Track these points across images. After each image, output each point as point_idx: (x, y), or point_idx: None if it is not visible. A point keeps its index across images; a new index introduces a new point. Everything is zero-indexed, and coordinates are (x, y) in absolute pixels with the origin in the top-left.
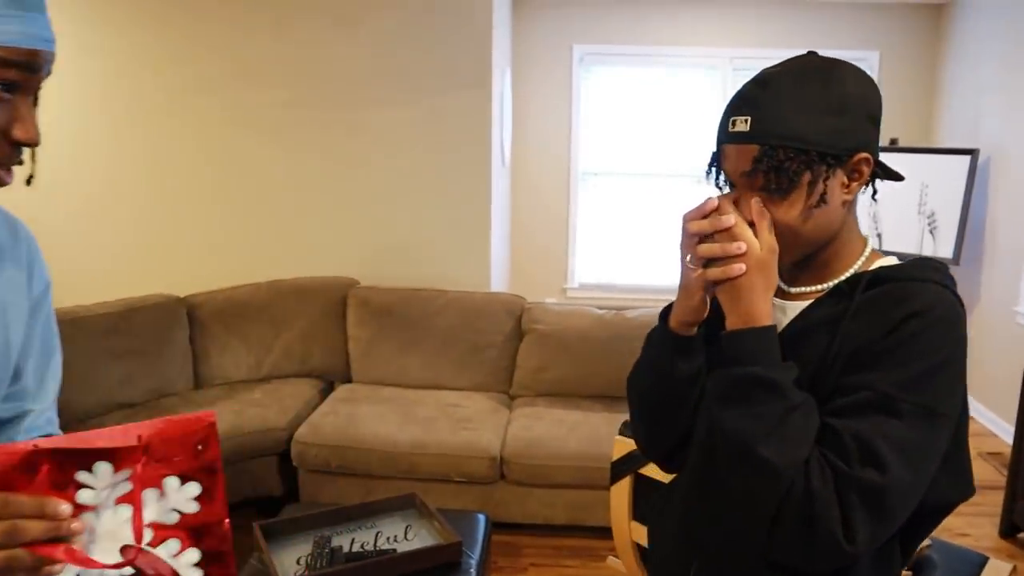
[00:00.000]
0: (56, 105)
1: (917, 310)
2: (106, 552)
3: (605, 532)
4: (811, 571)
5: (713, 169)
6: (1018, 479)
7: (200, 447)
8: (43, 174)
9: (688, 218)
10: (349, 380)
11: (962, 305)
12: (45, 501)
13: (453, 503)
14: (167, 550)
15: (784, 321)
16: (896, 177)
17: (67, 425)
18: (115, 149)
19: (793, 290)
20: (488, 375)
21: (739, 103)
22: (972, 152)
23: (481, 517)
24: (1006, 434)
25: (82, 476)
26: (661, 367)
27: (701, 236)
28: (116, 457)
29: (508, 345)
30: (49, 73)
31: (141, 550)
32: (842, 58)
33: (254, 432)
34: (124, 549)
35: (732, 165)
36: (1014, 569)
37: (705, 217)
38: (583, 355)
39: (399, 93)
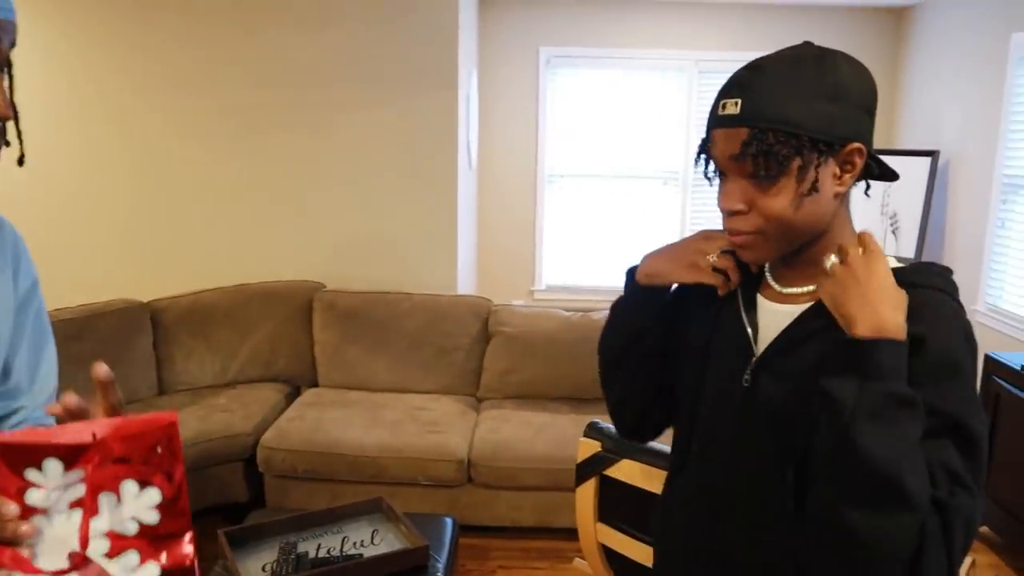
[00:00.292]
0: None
1: (926, 332)
2: (54, 560)
3: (573, 533)
4: None
5: (702, 157)
6: None
7: (159, 449)
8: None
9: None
10: (316, 384)
11: (962, 309)
12: None
13: (421, 507)
14: (124, 563)
15: (777, 325)
16: (891, 176)
17: None
18: (76, 152)
19: (785, 290)
20: (455, 378)
21: (730, 86)
22: (932, 154)
23: (448, 520)
24: None
25: (32, 475)
26: (621, 317)
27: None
28: (68, 455)
29: (475, 347)
30: (13, 44)
31: (85, 557)
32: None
33: (219, 438)
34: (71, 556)
35: (721, 149)
36: (973, 563)
37: None
38: (550, 357)
39: (365, 95)
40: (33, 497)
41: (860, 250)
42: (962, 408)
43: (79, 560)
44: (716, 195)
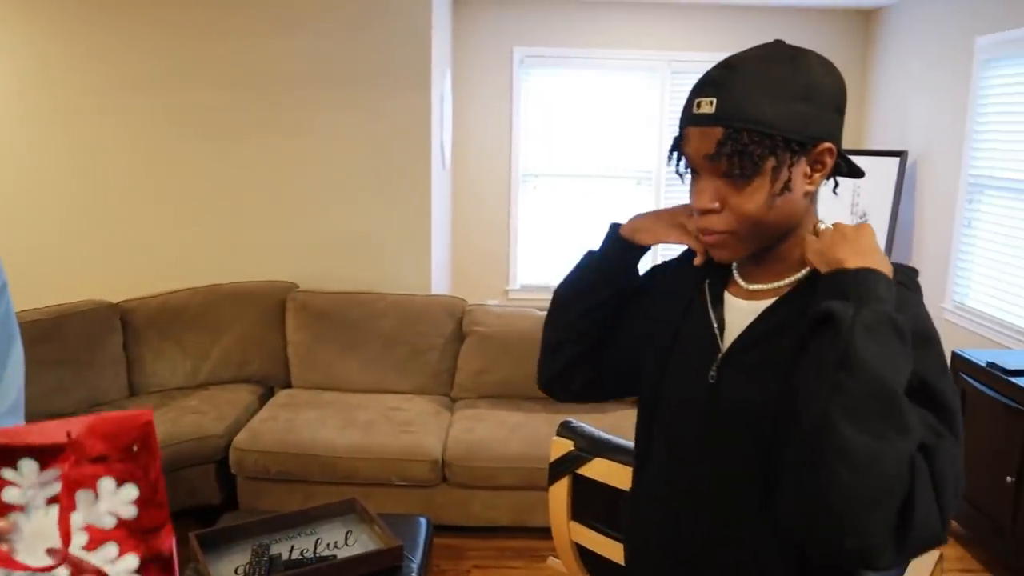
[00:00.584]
0: None
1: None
2: (34, 554)
3: (548, 532)
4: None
5: (675, 154)
6: None
7: (136, 447)
8: None
9: None
10: (289, 385)
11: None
12: None
13: (395, 507)
14: (104, 555)
15: (743, 322)
16: (858, 174)
17: None
18: (43, 150)
19: (751, 287)
20: (429, 378)
21: (705, 85)
22: (901, 154)
23: (422, 520)
24: None
25: (7, 474)
26: (591, 265)
27: None
28: (43, 454)
29: (449, 347)
30: None
31: (68, 553)
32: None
33: (191, 439)
34: (50, 551)
35: (695, 148)
36: (940, 556)
37: None
38: (524, 356)
39: (338, 95)
40: (9, 495)
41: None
42: (936, 374)
43: (61, 556)
44: (688, 193)
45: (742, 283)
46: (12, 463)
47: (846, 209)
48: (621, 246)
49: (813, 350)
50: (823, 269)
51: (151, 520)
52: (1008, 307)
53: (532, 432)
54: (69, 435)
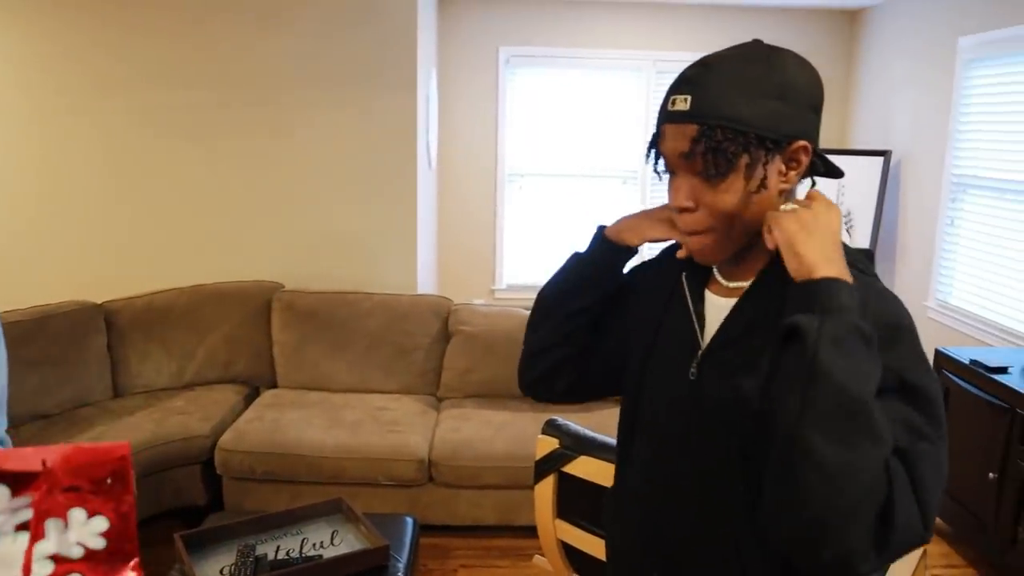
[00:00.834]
0: None
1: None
2: None
3: (535, 531)
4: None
5: (653, 152)
6: None
7: (110, 480)
8: None
9: None
10: (275, 385)
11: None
12: None
13: (381, 507)
14: None
15: (722, 319)
16: (836, 173)
17: None
18: (27, 152)
19: (731, 284)
20: (415, 377)
21: (680, 83)
22: (884, 154)
23: (409, 520)
24: None
25: None
26: (575, 267)
27: None
28: (17, 481)
29: (435, 347)
30: None
31: None
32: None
33: (176, 440)
34: None
35: (670, 146)
36: (924, 553)
37: None
38: (510, 356)
39: (323, 94)
40: None
41: (822, 203)
42: (912, 367)
43: None
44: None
45: (722, 280)
46: None
47: None
48: (608, 247)
49: (783, 364)
50: (786, 261)
51: (119, 554)
52: (991, 305)
53: (518, 431)
54: (44, 463)
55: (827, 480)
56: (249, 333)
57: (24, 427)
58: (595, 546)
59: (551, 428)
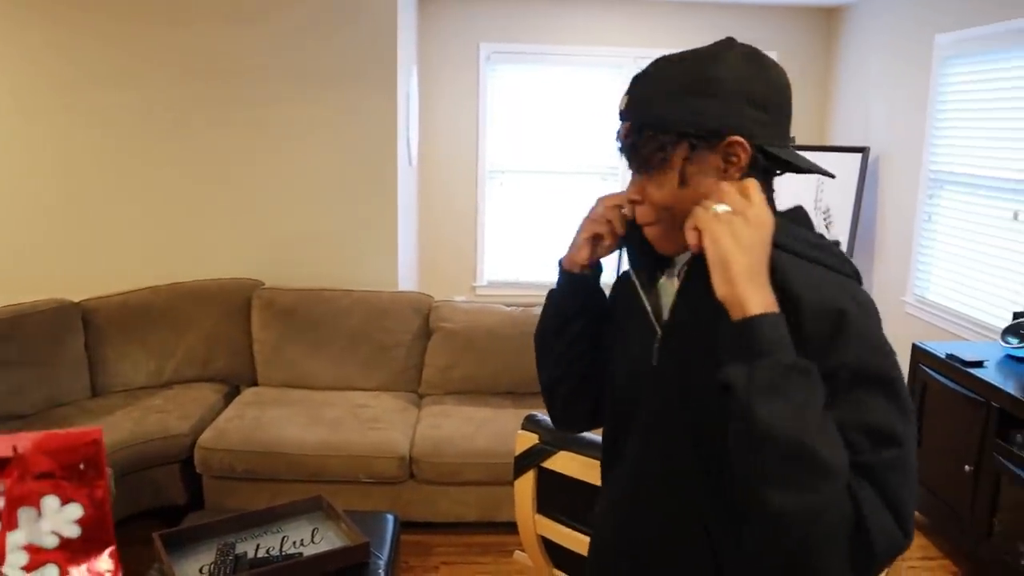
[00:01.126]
0: None
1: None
2: None
3: (516, 527)
4: None
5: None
6: None
7: (83, 466)
8: None
9: None
10: (255, 383)
11: (838, 272)
12: None
13: (363, 504)
14: None
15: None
16: (796, 169)
17: None
18: (1, 149)
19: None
20: (396, 374)
21: (629, 83)
22: (863, 150)
23: (390, 517)
24: None
25: None
26: (553, 306)
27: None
28: None
29: (416, 344)
30: None
31: (3, 574)
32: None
33: (155, 439)
34: None
35: (620, 141)
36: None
37: None
38: (491, 352)
39: (302, 90)
40: None
41: (755, 208)
42: (865, 357)
43: None
44: None
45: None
46: None
47: (810, 205)
48: (568, 278)
49: (729, 416)
50: (713, 278)
51: (95, 541)
52: (967, 300)
53: (499, 427)
54: (15, 450)
55: (789, 527)
56: (228, 331)
57: None
58: (575, 541)
59: (531, 424)
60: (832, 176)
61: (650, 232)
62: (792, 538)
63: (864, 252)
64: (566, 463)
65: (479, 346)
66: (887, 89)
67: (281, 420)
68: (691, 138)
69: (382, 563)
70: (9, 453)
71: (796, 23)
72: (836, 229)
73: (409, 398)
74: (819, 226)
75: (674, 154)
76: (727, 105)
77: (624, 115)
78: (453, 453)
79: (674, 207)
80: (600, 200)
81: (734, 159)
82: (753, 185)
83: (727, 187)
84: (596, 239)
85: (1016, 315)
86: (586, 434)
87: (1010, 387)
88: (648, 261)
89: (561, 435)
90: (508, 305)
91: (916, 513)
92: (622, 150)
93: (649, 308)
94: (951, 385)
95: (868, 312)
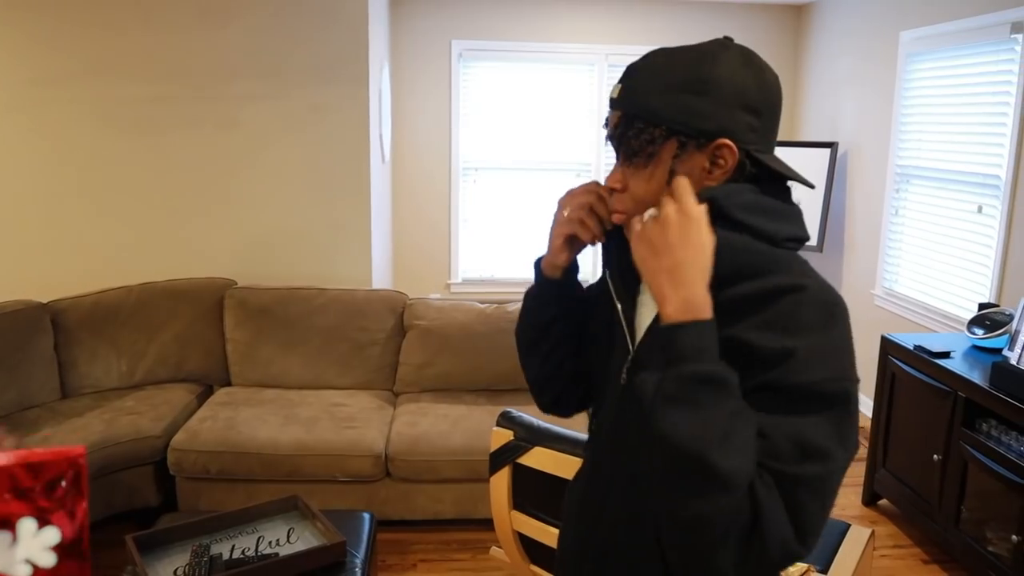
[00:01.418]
0: None
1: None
2: None
3: (493, 524)
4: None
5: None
6: (878, 450)
7: (63, 483)
8: None
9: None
10: (228, 383)
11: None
12: None
13: (339, 503)
14: None
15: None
16: (780, 178)
17: None
18: None
19: None
20: (371, 373)
21: (623, 72)
22: (831, 145)
23: (366, 515)
24: (866, 408)
25: None
26: (530, 304)
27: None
28: None
29: (391, 342)
30: None
31: None
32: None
33: (127, 441)
34: None
35: (609, 130)
36: (872, 534)
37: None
38: (466, 349)
39: (272, 87)
40: None
41: (676, 207)
42: (811, 369)
43: None
44: None
45: None
46: None
47: None
48: (546, 283)
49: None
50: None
51: (70, 570)
52: (934, 292)
53: (475, 424)
54: None
55: (685, 531)
56: (201, 331)
57: None
58: (551, 537)
59: (505, 420)
60: (812, 186)
61: (620, 219)
62: (686, 538)
63: (833, 245)
64: (541, 459)
65: (454, 343)
66: (855, 85)
67: (255, 420)
68: (681, 135)
69: (359, 562)
70: None
71: (765, 20)
72: (806, 224)
73: (384, 396)
74: None
75: (663, 149)
76: (721, 107)
77: (616, 103)
78: (429, 451)
79: (653, 202)
80: (569, 197)
81: (720, 162)
82: (680, 184)
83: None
84: (572, 239)
85: (981, 306)
86: (560, 430)
87: (976, 377)
88: (627, 267)
89: (535, 431)
90: (483, 302)
91: (886, 501)
92: (610, 138)
93: (625, 327)
94: (919, 376)
95: (830, 324)
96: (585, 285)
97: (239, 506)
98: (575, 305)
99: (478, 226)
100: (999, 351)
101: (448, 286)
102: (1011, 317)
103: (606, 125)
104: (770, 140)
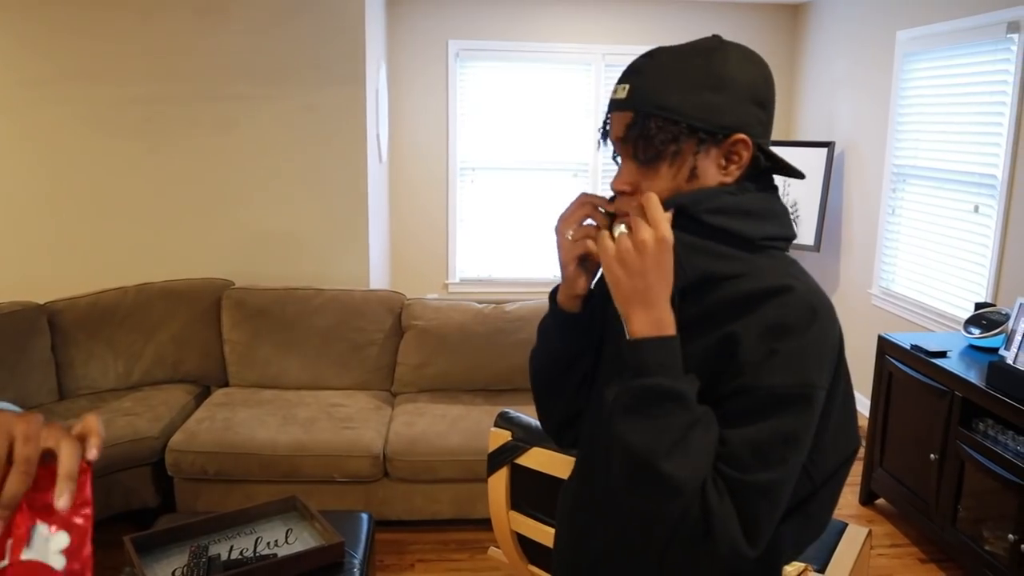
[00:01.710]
0: None
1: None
2: None
3: (491, 524)
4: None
5: (606, 139)
6: (875, 449)
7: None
8: None
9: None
10: (226, 384)
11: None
12: None
13: (338, 504)
14: None
15: None
16: (792, 173)
17: None
18: None
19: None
20: (369, 373)
21: (625, 72)
22: (828, 145)
23: (364, 516)
24: (863, 407)
25: None
26: (550, 343)
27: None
28: None
29: (389, 342)
30: None
31: None
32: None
33: (125, 442)
34: None
35: (613, 132)
36: (869, 533)
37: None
38: (463, 349)
39: (269, 88)
40: None
41: (653, 234)
42: (788, 377)
43: None
44: None
45: None
46: None
47: None
48: (566, 317)
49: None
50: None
51: (75, 572)
52: (930, 291)
53: (472, 424)
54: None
55: (638, 530)
56: (198, 331)
57: None
58: (549, 537)
59: (503, 421)
60: (802, 176)
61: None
62: (640, 536)
63: (831, 246)
64: (539, 459)
65: (452, 344)
66: (851, 84)
67: (253, 421)
68: (701, 132)
69: (357, 562)
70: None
71: (761, 20)
72: (803, 223)
73: (382, 396)
74: None
75: (670, 146)
76: (736, 102)
77: (623, 104)
78: (427, 451)
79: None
80: (565, 221)
81: (735, 157)
82: (649, 201)
83: (634, 206)
84: (585, 260)
85: (978, 306)
86: None
87: (973, 376)
88: None
89: (533, 431)
90: (480, 302)
91: (883, 500)
92: (620, 140)
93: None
94: (916, 375)
95: (816, 333)
96: None
97: (237, 507)
98: (598, 333)
99: (475, 226)
100: (995, 350)
101: (446, 286)
102: (1007, 316)
103: (605, 129)
104: (770, 133)
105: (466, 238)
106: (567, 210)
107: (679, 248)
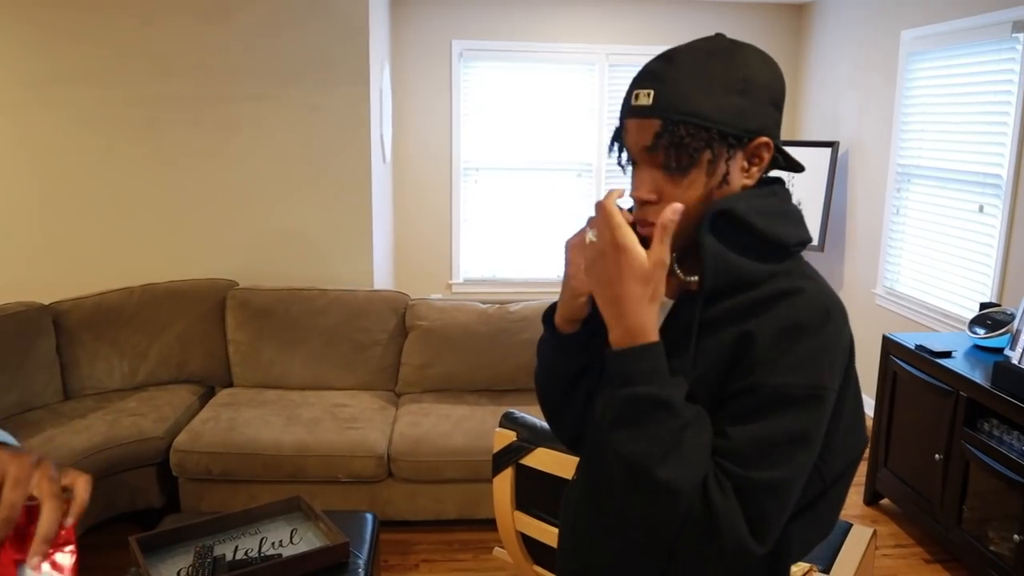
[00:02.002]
0: None
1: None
2: None
3: (495, 524)
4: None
5: (616, 145)
6: (879, 449)
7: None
8: None
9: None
10: (230, 384)
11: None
12: None
13: (342, 504)
14: None
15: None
16: (797, 168)
17: None
18: None
19: (690, 277)
20: (373, 373)
21: (644, 77)
22: (832, 144)
23: (369, 516)
24: (868, 407)
25: None
26: (550, 365)
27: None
28: None
29: (393, 342)
30: None
31: None
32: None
33: (130, 442)
34: None
35: (633, 140)
36: (874, 533)
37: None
38: (467, 350)
39: (273, 88)
40: None
41: (610, 240)
42: (795, 377)
43: None
44: (630, 184)
45: (679, 273)
46: None
47: None
48: (566, 339)
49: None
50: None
51: None
52: (935, 291)
53: (477, 425)
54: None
55: (640, 532)
56: (203, 332)
57: None
58: (554, 537)
59: (508, 421)
60: (802, 169)
61: (650, 231)
62: (642, 538)
63: (835, 245)
64: (544, 459)
65: (456, 344)
66: (856, 84)
67: (258, 421)
68: (731, 137)
69: (362, 562)
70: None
71: (766, 20)
72: (807, 223)
73: (386, 397)
74: None
75: (704, 153)
76: (759, 105)
77: (650, 111)
78: (431, 451)
79: (702, 210)
80: (575, 249)
81: (757, 160)
82: (609, 212)
83: (598, 213)
84: None
85: (983, 306)
86: None
87: (978, 377)
88: None
89: (538, 432)
90: (484, 302)
91: (888, 501)
92: (653, 148)
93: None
94: (920, 375)
95: (826, 333)
96: None
97: (242, 507)
98: (600, 349)
99: (479, 226)
100: (1000, 351)
101: (450, 286)
102: (1012, 316)
103: (618, 138)
104: (780, 133)
105: (470, 238)
106: (577, 236)
107: (712, 252)
